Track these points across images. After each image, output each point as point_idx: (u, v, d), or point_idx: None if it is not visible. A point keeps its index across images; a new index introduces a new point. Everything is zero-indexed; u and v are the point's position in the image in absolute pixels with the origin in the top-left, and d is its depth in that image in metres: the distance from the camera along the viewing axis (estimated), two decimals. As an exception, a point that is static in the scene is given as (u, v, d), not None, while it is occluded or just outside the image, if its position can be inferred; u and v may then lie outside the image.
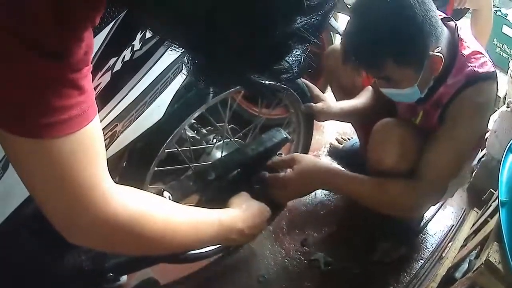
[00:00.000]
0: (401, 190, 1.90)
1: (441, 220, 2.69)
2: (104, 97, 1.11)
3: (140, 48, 1.19)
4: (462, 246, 2.23)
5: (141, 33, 1.15)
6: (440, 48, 1.78)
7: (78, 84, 0.81)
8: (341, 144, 3.10)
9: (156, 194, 1.44)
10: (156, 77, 1.31)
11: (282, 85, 0.88)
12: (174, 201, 1.49)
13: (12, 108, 0.77)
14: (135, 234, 1.02)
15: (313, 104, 2.09)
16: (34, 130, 0.79)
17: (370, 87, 2.35)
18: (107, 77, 1.13)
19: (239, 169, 1.81)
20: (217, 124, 2.00)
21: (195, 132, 2.18)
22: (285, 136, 1.91)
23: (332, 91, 2.68)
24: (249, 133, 2.10)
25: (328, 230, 2.55)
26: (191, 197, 1.71)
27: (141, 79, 1.26)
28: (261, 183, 1.91)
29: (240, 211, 1.47)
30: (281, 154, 2.09)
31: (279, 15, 0.70)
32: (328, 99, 2.18)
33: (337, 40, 2.93)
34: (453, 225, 2.63)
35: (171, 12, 0.70)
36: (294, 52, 0.80)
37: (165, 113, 1.58)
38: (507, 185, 1.79)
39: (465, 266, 2.01)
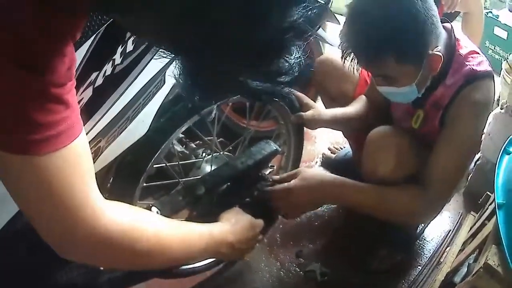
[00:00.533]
0: (410, 198, 1.87)
1: (438, 225, 2.65)
2: (87, 112, 1.12)
3: (121, 62, 1.19)
4: (460, 251, 2.19)
5: (121, 47, 1.15)
6: (439, 47, 1.77)
7: (62, 99, 0.81)
8: (334, 153, 3.07)
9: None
10: (138, 91, 1.30)
11: (282, 90, 0.87)
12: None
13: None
14: (126, 249, 1.02)
15: (303, 113, 2.06)
16: (22, 146, 0.79)
17: (363, 96, 2.31)
18: (89, 92, 1.12)
19: (229, 183, 1.78)
20: (206, 138, 1.98)
21: (184, 146, 2.15)
22: (275, 148, 1.87)
23: (322, 102, 2.65)
24: (239, 146, 2.08)
25: (323, 241, 2.53)
26: (181, 213, 1.68)
27: (123, 93, 1.25)
28: (256, 196, 1.87)
29: (229, 225, 1.46)
30: (273, 167, 2.05)
31: (274, 7, 0.70)
32: (319, 107, 2.15)
33: (327, 50, 2.96)
34: (450, 230, 2.60)
35: (158, 11, 0.69)
36: (292, 52, 0.80)
37: (150, 127, 1.58)
38: (503, 187, 1.75)
39: (464, 270, 1.97)
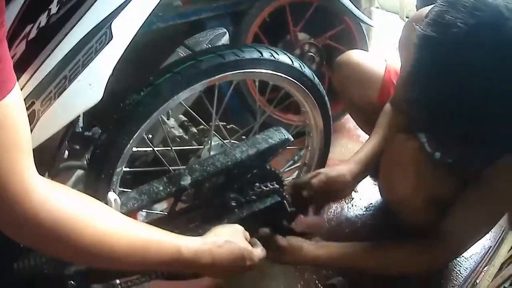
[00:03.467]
0: (414, 257, 1.70)
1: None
2: (18, 69, 0.95)
3: (57, 12, 1.06)
4: (500, 270, 1.93)
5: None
6: None
7: None
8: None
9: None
10: (75, 45, 1.13)
11: None
12: (140, 207, 1.42)
13: None
14: (58, 239, 0.92)
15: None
16: None
17: (386, 109, 1.98)
18: (22, 47, 1.02)
19: (222, 175, 1.55)
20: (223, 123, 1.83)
21: (184, 131, 1.94)
22: (285, 137, 1.61)
23: (348, 112, 2.47)
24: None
25: None
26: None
27: (56, 47, 1.10)
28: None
29: (211, 247, 1.25)
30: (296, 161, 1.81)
31: None
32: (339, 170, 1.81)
33: (372, 39, 2.82)
34: (490, 247, 2.30)
35: None
36: None
37: (129, 103, 1.46)
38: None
39: None
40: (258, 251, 1.40)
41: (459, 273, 2.21)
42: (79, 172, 1.73)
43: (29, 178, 0.84)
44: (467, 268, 2.22)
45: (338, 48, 2.72)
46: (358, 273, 1.89)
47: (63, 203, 0.91)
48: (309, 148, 2.07)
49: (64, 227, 0.90)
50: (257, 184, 1.61)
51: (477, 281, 2.06)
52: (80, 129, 1.61)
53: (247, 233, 1.40)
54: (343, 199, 1.78)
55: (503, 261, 2.01)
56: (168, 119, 1.85)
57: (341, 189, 1.76)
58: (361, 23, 2.63)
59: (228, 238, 1.30)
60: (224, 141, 1.78)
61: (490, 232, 2.23)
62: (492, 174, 1.57)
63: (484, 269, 2.12)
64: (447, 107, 1.24)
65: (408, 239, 1.73)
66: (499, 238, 2.31)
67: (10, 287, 1.28)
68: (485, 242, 2.31)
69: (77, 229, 0.93)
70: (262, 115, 1.95)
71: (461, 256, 2.23)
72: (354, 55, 2.21)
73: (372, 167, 1.87)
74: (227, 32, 1.98)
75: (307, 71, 1.74)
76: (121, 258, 1.02)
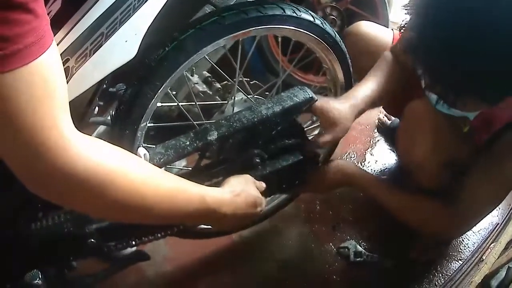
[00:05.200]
0: (432, 211, 1.73)
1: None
2: (53, 26, 0.92)
3: None
4: (505, 249, 1.92)
5: None
6: None
7: (28, 7, 0.73)
8: (390, 120, 2.83)
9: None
10: (113, 3, 1.13)
11: None
12: (166, 162, 1.42)
13: None
14: (92, 192, 0.92)
15: (325, 138, 1.72)
16: None
17: (387, 56, 1.94)
18: (58, 4, 1.00)
19: (247, 131, 1.57)
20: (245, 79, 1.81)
21: (208, 86, 1.94)
22: (310, 96, 1.63)
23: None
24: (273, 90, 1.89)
25: (365, 217, 2.32)
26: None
27: (93, 5, 1.09)
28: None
29: (231, 196, 1.31)
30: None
31: None
32: (336, 108, 1.71)
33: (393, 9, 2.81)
34: (498, 224, 2.30)
35: None
36: None
37: (154, 58, 1.46)
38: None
39: (502, 273, 1.72)
40: (262, 198, 1.45)
41: (467, 246, 2.25)
42: (101, 128, 1.74)
43: (66, 132, 0.84)
44: (474, 243, 2.26)
45: (359, 13, 2.73)
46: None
47: (99, 156, 0.92)
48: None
49: (100, 179, 0.91)
50: (280, 140, 1.64)
51: (483, 257, 2.04)
52: (105, 85, 1.61)
53: (256, 181, 1.46)
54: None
55: (509, 239, 2.01)
56: (192, 76, 1.85)
57: (337, 118, 1.70)
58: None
59: (243, 188, 1.36)
60: (248, 96, 1.79)
61: (497, 209, 2.28)
62: (506, 145, 1.61)
63: (491, 245, 2.11)
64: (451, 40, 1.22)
65: (428, 196, 1.75)
66: (506, 215, 2.33)
67: (28, 247, 1.29)
68: (493, 218, 2.34)
69: (112, 181, 0.94)
70: (284, 73, 1.94)
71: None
72: (363, 26, 2.22)
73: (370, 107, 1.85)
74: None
75: (328, 28, 1.74)
76: (151, 208, 1.04)
